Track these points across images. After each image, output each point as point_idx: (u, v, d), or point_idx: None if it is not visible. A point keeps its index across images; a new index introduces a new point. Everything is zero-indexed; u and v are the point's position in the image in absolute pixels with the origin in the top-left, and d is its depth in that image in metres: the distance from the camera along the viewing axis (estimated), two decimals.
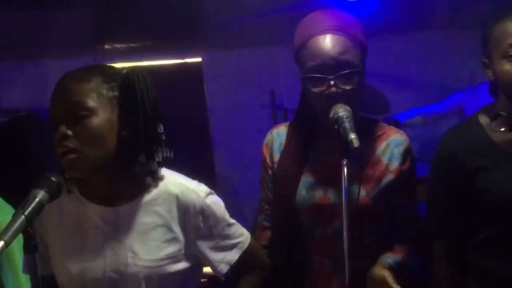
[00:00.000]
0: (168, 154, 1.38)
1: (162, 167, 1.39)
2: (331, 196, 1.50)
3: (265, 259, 1.56)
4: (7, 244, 1.09)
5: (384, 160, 1.56)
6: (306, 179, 1.58)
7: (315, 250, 1.57)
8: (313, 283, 1.59)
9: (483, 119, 1.51)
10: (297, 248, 1.58)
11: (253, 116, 3.49)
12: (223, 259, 1.45)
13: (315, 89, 1.48)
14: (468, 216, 1.49)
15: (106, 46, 3.63)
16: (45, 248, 1.40)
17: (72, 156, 1.27)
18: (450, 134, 1.55)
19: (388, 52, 3.29)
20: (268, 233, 1.66)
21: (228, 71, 3.59)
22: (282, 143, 1.63)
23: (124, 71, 1.35)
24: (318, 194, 1.56)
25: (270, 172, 1.65)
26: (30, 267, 1.20)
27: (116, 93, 1.32)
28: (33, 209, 1.16)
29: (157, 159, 1.36)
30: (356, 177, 1.51)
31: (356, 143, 1.32)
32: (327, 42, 1.47)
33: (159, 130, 1.35)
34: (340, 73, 1.46)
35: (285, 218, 1.59)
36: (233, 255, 1.46)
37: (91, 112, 1.28)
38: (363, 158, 1.53)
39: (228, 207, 1.62)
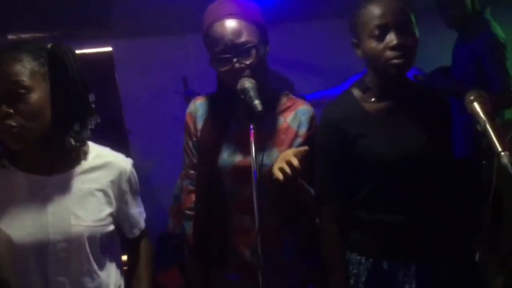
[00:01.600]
0: (98, 120, 1.47)
1: (84, 138, 1.47)
2: (249, 159, 1.60)
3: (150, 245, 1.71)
4: None
5: (294, 127, 1.74)
6: (227, 145, 1.72)
7: (236, 208, 1.71)
8: (235, 237, 1.72)
9: (356, 92, 1.68)
10: (220, 207, 1.71)
11: (167, 103, 3.45)
12: (141, 214, 1.65)
13: (222, 69, 1.66)
14: (349, 178, 1.66)
15: (10, 36, 3.42)
16: None
17: (15, 131, 1.35)
18: (330, 107, 1.71)
19: (291, 40, 3.40)
20: (193, 196, 1.79)
21: (139, 60, 3.53)
22: (205, 113, 1.77)
23: (49, 46, 1.41)
24: (238, 158, 1.70)
25: (194, 139, 1.78)
26: None
27: (46, 68, 1.37)
28: None
29: (89, 126, 1.45)
30: (271, 141, 1.70)
31: (259, 107, 1.47)
32: (225, 27, 1.64)
33: (90, 99, 1.44)
34: (239, 50, 1.63)
35: (210, 180, 1.72)
36: (144, 214, 1.67)
37: (28, 89, 1.35)
38: (276, 125, 1.72)
39: (143, 192, 1.66)
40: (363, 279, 1.67)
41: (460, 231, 1.69)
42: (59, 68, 1.40)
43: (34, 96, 1.37)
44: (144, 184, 1.75)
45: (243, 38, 1.63)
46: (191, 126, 1.79)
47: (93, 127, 1.48)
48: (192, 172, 1.81)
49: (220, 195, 1.72)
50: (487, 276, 1.65)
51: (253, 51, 1.64)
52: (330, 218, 1.68)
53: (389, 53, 1.54)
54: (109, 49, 3.33)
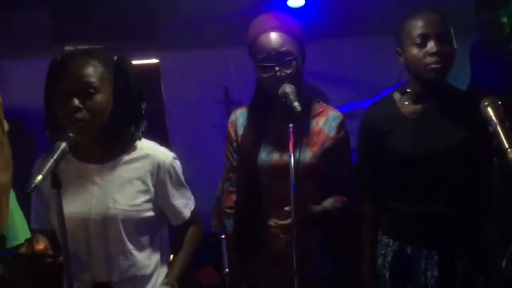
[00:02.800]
0: (143, 128, 1.67)
1: (135, 138, 1.66)
2: (285, 158, 1.78)
3: (201, 221, 1.84)
4: (44, 178, 1.34)
5: (325, 130, 1.91)
6: (265, 146, 1.90)
7: (272, 203, 1.87)
8: (273, 229, 1.88)
9: (396, 96, 1.84)
10: (258, 203, 1.89)
11: (208, 112, 3.56)
12: (186, 205, 1.76)
13: (265, 75, 1.82)
14: (383, 167, 1.83)
15: (67, 47, 3.60)
16: (47, 205, 1.59)
17: (81, 124, 1.53)
18: (371, 107, 1.90)
19: (326, 55, 3.45)
20: (233, 196, 1.97)
21: (184, 71, 3.64)
22: (244, 121, 1.95)
23: (116, 58, 1.62)
24: (275, 157, 1.87)
25: (235, 144, 1.95)
26: (56, 202, 1.42)
27: (112, 76, 1.57)
28: (59, 155, 1.41)
29: (141, 129, 1.65)
30: (305, 142, 1.87)
31: (298, 108, 1.62)
32: (270, 38, 1.82)
33: (143, 107, 1.65)
34: (282, 60, 1.80)
35: (250, 179, 1.89)
36: (191, 205, 1.77)
37: (96, 90, 1.55)
38: (309, 128, 1.90)
39: None
40: (389, 259, 1.82)
41: (481, 225, 1.77)
42: (122, 77, 1.61)
43: (100, 97, 1.56)
44: None
45: (285, 49, 1.80)
46: (232, 133, 1.96)
47: (143, 129, 1.66)
48: (232, 174, 1.98)
49: (258, 192, 1.88)
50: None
51: (294, 63, 1.80)
52: (366, 203, 1.87)
53: (428, 59, 1.69)
54: (156, 61, 3.47)
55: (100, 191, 1.62)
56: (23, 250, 1.72)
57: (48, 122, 1.61)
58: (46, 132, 1.61)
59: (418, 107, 1.78)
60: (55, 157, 1.40)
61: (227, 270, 2.88)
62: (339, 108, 1.99)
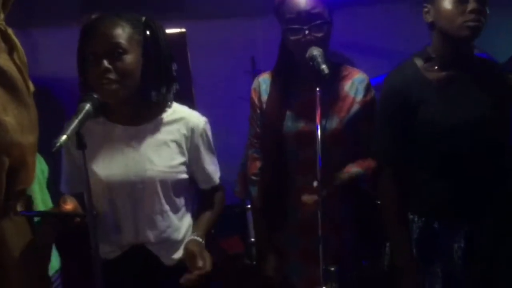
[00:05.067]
0: (175, 90, 1.65)
1: (167, 100, 1.65)
2: (311, 125, 1.71)
3: (224, 190, 1.84)
4: (68, 137, 1.33)
5: (351, 94, 1.84)
6: (290, 113, 1.83)
7: (299, 169, 1.82)
8: (299, 196, 1.82)
9: (418, 61, 1.73)
10: (283, 170, 1.85)
11: (234, 82, 3.51)
12: (216, 171, 1.77)
13: (293, 37, 1.74)
14: (410, 140, 1.71)
15: (93, 16, 3.57)
16: (77, 167, 1.59)
17: (113, 86, 1.53)
18: (392, 75, 1.76)
19: (354, 23, 3.35)
20: (258, 163, 1.93)
21: (210, 41, 3.59)
22: (268, 87, 1.88)
23: (143, 19, 1.59)
24: (301, 123, 1.82)
25: (258, 111, 1.90)
26: (81, 162, 1.42)
27: (141, 36, 1.56)
28: (83, 115, 1.41)
29: (172, 91, 1.64)
30: (331, 108, 1.80)
31: (326, 70, 1.56)
32: None
33: (173, 68, 1.63)
34: (313, 23, 1.72)
35: (274, 145, 1.85)
36: (219, 172, 1.78)
37: (125, 51, 1.54)
38: (335, 93, 1.82)
39: None
40: (415, 236, 1.75)
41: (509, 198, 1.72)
42: (151, 38, 1.58)
43: (130, 57, 1.54)
44: None
45: (316, 11, 1.72)
46: (256, 99, 1.90)
47: (175, 91, 1.66)
48: (256, 141, 1.93)
49: (284, 159, 1.84)
50: None
51: (325, 27, 1.73)
52: (389, 179, 1.75)
53: (467, 16, 1.60)
54: (183, 30, 3.42)
55: (137, 153, 1.62)
56: (50, 210, 1.74)
57: (82, 88, 1.60)
58: (74, 101, 1.57)
59: (444, 73, 1.69)
60: (79, 117, 1.39)
61: (252, 239, 2.88)
62: (370, 80, 1.90)
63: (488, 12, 1.63)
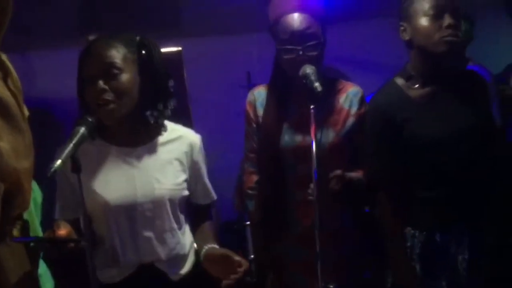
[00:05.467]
0: (175, 104, 1.65)
1: (164, 117, 1.65)
2: (308, 140, 1.70)
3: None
4: (63, 162, 1.34)
5: (346, 107, 1.85)
6: (287, 127, 1.85)
7: (297, 183, 1.82)
8: (298, 210, 1.84)
9: (399, 81, 1.75)
10: (281, 184, 1.85)
11: (231, 98, 3.52)
12: (211, 188, 1.77)
13: (287, 56, 1.76)
14: (401, 157, 1.74)
15: (91, 37, 3.59)
16: (73, 192, 1.56)
17: (110, 106, 1.54)
18: (376, 97, 1.80)
19: (348, 38, 3.36)
20: (254, 177, 1.92)
21: (206, 58, 3.61)
22: (264, 100, 1.88)
23: (138, 38, 1.61)
24: (299, 138, 1.82)
25: (254, 125, 1.90)
26: (77, 186, 1.42)
27: (135, 55, 1.57)
28: (78, 139, 1.41)
29: (169, 107, 1.63)
30: (326, 122, 1.81)
31: (319, 88, 1.58)
32: (295, 19, 1.76)
33: (170, 84, 1.63)
34: (306, 44, 1.73)
35: (272, 160, 1.85)
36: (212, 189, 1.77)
37: (120, 70, 1.55)
38: (330, 107, 1.83)
39: None
40: (417, 251, 1.74)
41: (503, 202, 1.74)
42: (146, 56, 1.60)
43: (125, 76, 1.56)
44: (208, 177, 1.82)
45: (310, 32, 1.74)
46: (251, 113, 1.91)
47: (172, 107, 1.66)
48: (252, 155, 1.93)
49: (281, 173, 1.85)
50: None
51: (319, 47, 1.76)
52: (385, 201, 1.77)
53: (443, 31, 1.63)
54: (178, 48, 3.44)
55: (142, 174, 1.62)
56: (44, 235, 1.71)
57: (81, 110, 1.60)
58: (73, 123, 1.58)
59: (425, 90, 1.72)
60: (74, 141, 1.40)
61: (252, 256, 2.86)
62: (368, 97, 1.91)
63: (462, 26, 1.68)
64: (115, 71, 1.54)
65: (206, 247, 1.65)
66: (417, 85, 1.72)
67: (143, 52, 1.60)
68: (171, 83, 1.66)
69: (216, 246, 1.65)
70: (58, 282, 1.92)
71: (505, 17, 2.88)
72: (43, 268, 2.01)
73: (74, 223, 1.57)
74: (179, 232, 1.66)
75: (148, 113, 1.60)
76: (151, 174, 1.62)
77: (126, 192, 1.60)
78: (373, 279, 1.96)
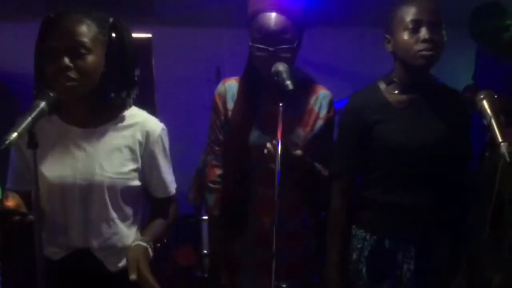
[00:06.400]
0: (135, 95, 1.61)
1: (126, 104, 1.60)
2: (277, 138, 1.68)
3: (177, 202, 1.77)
4: (19, 135, 1.29)
5: (316, 109, 1.86)
6: (257, 126, 1.83)
7: (261, 182, 1.81)
8: (259, 209, 1.83)
9: (381, 85, 1.79)
10: (245, 181, 1.83)
11: (198, 91, 3.49)
12: (172, 181, 1.71)
13: (258, 54, 1.75)
14: (364, 160, 1.77)
15: (51, 14, 3.48)
16: (27, 165, 1.52)
17: (70, 83, 1.47)
18: (356, 96, 1.84)
19: (322, 44, 3.39)
20: (216, 170, 1.89)
21: (176, 48, 3.57)
22: (235, 94, 1.85)
23: (111, 20, 1.55)
24: (268, 136, 1.78)
25: (223, 117, 1.86)
26: (32, 161, 1.37)
27: (106, 37, 1.51)
28: (37, 113, 1.35)
29: (132, 96, 1.59)
30: (296, 122, 1.81)
31: (291, 86, 1.57)
32: (272, 19, 1.73)
33: (136, 73, 1.59)
34: (279, 47, 1.72)
35: (238, 156, 1.82)
36: (174, 183, 1.72)
37: (89, 51, 1.49)
38: (301, 108, 1.84)
39: None
40: (366, 254, 1.78)
41: (461, 219, 1.78)
42: (117, 40, 1.54)
43: (92, 58, 1.50)
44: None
45: (284, 36, 1.73)
46: (220, 105, 1.87)
47: (135, 97, 1.61)
48: (217, 148, 1.89)
49: (246, 170, 1.83)
50: (487, 274, 1.71)
51: (291, 51, 1.75)
52: (338, 195, 1.80)
53: (420, 45, 1.66)
54: (149, 35, 3.38)
55: (87, 157, 1.57)
56: None
57: (37, 83, 1.54)
58: (31, 96, 1.53)
59: (404, 97, 1.75)
60: (33, 115, 1.34)
61: (205, 251, 2.84)
62: (335, 104, 1.93)
63: (444, 38, 1.71)
64: (83, 50, 1.47)
65: (135, 242, 1.60)
66: (396, 91, 1.76)
67: (114, 35, 1.54)
68: (137, 71, 1.60)
69: (143, 244, 1.59)
70: (2, 256, 1.86)
71: (468, 38, 2.97)
72: None
73: (25, 196, 1.52)
74: (120, 224, 1.60)
75: (110, 96, 1.56)
76: (96, 159, 1.56)
77: (66, 172, 1.55)
78: (320, 282, 1.98)
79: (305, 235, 1.91)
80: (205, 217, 2.77)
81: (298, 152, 1.72)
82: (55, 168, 1.55)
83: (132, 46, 1.58)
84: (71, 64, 1.46)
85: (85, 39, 1.48)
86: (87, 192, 1.55)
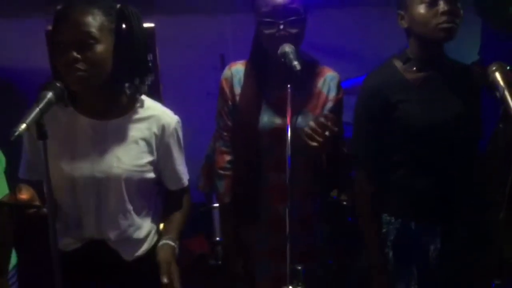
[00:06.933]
0: (153, 79, 1.59)
1: (140, 92, 1.59)
2: (287, 121, 1.67)
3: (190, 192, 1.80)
4: (27, 127, 1.28)
5: (324, 91, 1.84)
6: (266, 108, 1.81)
7: (272, 166, 1.80)
8: (271, 194, 1.82)
9: (397, 63, 1.76)
10: (256, 166, 1.82)
11: (203, 79, 3.48)
12: (185, 173, 1.73)
13: (267, 31, 1.72)
14: (387, 141, 1.74)
15: (58, 7, 3.48)
16: (39, 156, 1.48)
17: (81, 73, 1.47)
18: (371, 75, 1.79)
19: (327, 25, 3.36)
20: (226, 157, 1.88)
21: (179, 37, 3.55)
22: (241, 78, 1.83)
23: (118, 6, 1.52)
24: (277, 120, 1.79)
25: (231, 103, 1.84)
26: (42, 152, 1.35)
27: (113, 25, 1.48)
28: (45, 104, 1.34)
29: (147, 82, 1.57)
30: (305, 106, 1.79)
31: (298, 67, 1.54)
32: None
33: (148, 58, 1.57)
34: (288, 19, 1.69)
35: (248, 141, 1.81)
36: (187, 174, 1.74)
37: (96, 40, 1.47)
38: (309, 91, 1.82)
39: None
40: (392, 237, 1.77)
41: (482, 196, 1.78)
42: (125, 26, 1.52)
43: (100, 47, 1.48)
44: None
45: (293, 7, 1.70)
46: (227, 90, 1.85)
47: (150, 83, 1.60)
48: (225, 134, 1.88)
49: (257, 155, 1.81)
50: (504, 254, 1.71)
51: (300, 23, 1.72)
52: (364, 180, 1.78)
53: (440, 18, 1.63)
54: (151, 25, 3.36)
55: (104, 149, 1.58)
56: (4, 199, 1.67)
57: (54, 76, 1.54)
58: (36, 92, 1.50)
59: (421, 74, 1.73)
60: (40, 106, 1.34)
61: (217, 239, 2.86)
62: (341, 83, 1.91)
63: (462, 11, 1.67)
64: (91, 40, 1.47)
65: (161, 242, 1.64)
66: (414, 68, 1.73)
67: (123, 22, 1.52)
68: (150, 57, 1.61)
69: (170, 243, 1.63)
70: (17, 248, 1.88)
71: (473, 15, 2.94)
72: None
73: (37, 185, 1.53)
74: (134, 215, 1.62)
75: (126, 85, 1.55)
76: (113, 151, 1.57)
77: (85, 165, 1.56)
78: (334, 264, 1.99)
79: (318, 219, 1.90)
80: (216, 205, 2.78)
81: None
82: (72, 161, 1.56)
83: (143, 32, 1.56)
84: (78, 56, 1.46)
85: (92, 29, 1.47)
86: (104, 185, 1.56)
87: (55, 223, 1.40)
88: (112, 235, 1.60)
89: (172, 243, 1.64)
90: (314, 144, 1.59)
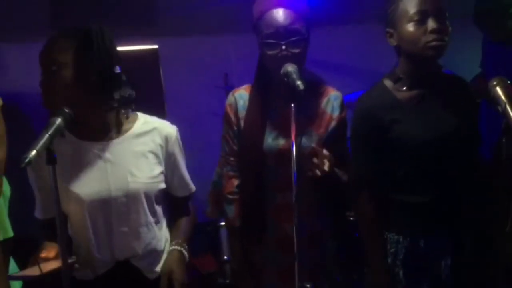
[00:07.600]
0: (129, 93, 1.59)
1: (125, 105, 1.61)
2: (291, 142, 1.67)
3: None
4: (38, 153, 1.30)
5: (328, 111, 1.86)
6: (270, 130, 1.83)
7: (279, 187, 1.81)
8: (278, 214, 1.83)
9: (388, 83, 1.76)
10: (263, 188, 1.83)
11: (207, 99, 3.51)
12: (190, 179, 1.77)
13: (270, 52, 1.75)
14: (385, 163, 1.73)
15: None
16: (48, 192, 1.49)
17: (51, 99, 1.52)
18: (363, 97, 1.79)
19: (329, 42, 3.40)
20: (234, 181, 1.89)
21: (183, 57, 3.59)
22: (245, 103, 1.85)
23: (84, 28, 1.53)
24: (282, 141, 1.81)
25: (235, 128, 1.86)
26: (50, 178, 1.38)
27: (75, 45, 1.52)
28: (54, 130, 1.38)
29: (116, 97, 1.56)
30: (309, 126, 1.81)
31: (301, 86, 1.55)
32: (280, 14, 1.74)
33: (115, 71, 1.55)
34: (290, 39, 1.72)
35: (254, 164, 1.83)
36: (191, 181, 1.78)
37: (59, 66, 1.51)
38: (313, 110, 1.84)
39: None
40: (401, 257, 1.74)
41: (483, 207, 1.76)
42: (87, 46, 1.52)
43: (64, 72, 1.52)
44: None
45: (294, 28, 1.73)
46: (232, 116, 1.87)
47: (134, 96, 1.62)
48: (232, 159, 1.90)
49: (263, 176, 1.83)
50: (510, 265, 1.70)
51: (302, 43, 1.74)
52: (366, 202, 1.76)
53: (428, 36, 1.63)
54: (155, 46, 3.41)
55: (115, 167, 1.60)
56: (31, 260, 1.60)
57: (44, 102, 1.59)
58: (42, 118, 1.55)
59: (413, 92, 1.72)
60: (50, 132, 1.36)
61: (225, 257, 2.85)
62: (344, 97, 1.92)
63: (450, 28, 1.67)
64: (54, 67, 1.52)
65: (171, 248, 1.67)
66: (404, 88, 1.73)
67: (84, 42, 1.52)
68: (117, 69, 1.57)
69: (179, 248, 1.66)
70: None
71: (473, 27, 2.96)
72: (13, 267, 1.96)
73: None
74: (155, 227, 1.65)
75: (110, 102, 1.58)
76: (125, 168, 1.60)
77: (99, 187, 1.57)
78: (342, 281, 1.98)
79: (325, 236, 1.90)
80: (223, 223, 2.78)
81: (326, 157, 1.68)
82: (87, 186, 1.57)
83: (109, 48, 1.54)
84: (49, 82, 1.53)
85: (55, 56, 1.52)
86: (124, 202, 1.58)
87: (67, 256, 1.41)
88: (139, 249, 1.62)
89: (179, 248, 1.66)
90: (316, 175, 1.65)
